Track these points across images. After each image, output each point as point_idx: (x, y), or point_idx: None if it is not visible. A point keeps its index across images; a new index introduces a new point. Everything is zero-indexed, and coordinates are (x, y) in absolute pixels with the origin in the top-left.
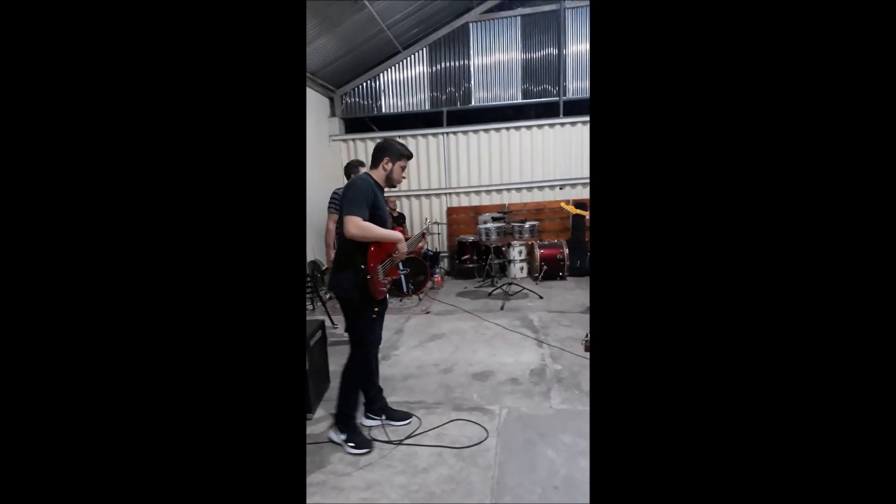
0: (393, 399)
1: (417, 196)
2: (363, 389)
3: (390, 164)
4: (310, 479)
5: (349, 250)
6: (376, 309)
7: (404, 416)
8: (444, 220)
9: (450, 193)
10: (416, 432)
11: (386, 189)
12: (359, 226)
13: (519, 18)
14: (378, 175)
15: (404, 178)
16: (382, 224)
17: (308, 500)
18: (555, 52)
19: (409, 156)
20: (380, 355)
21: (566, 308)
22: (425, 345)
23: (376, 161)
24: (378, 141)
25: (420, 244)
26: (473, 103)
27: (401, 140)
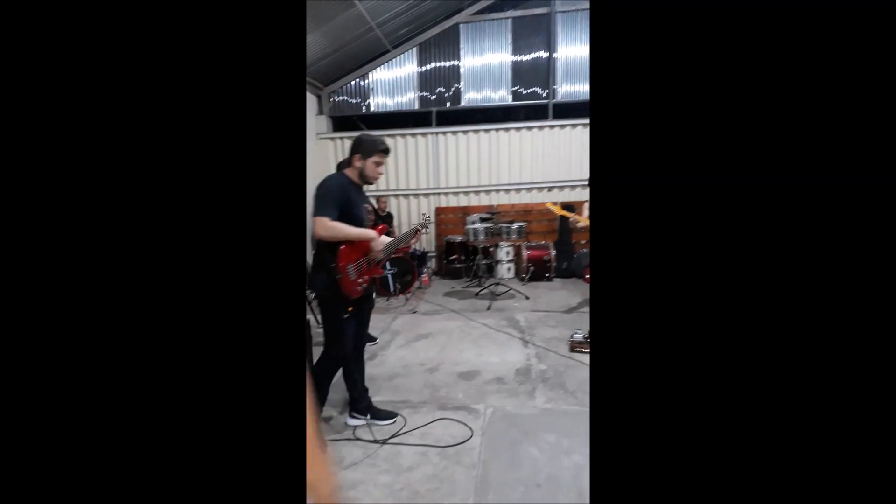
0: (378, 398)
1: (406, 196)
2: (347, 389)
3: (362, 161)
4: None
5: (321, 250)
6: (350, 309)
7: (389, 415)
8: (433, 220)
9: (438, 193)
10: (401, 431)
11: (379, 189)
12: (325, 226)
13: (509, 21)
14: (353, 173)
15: (381, 174)
16: (358, 224)
17: None
18: (545, 54)
19: (384, 150)
20: (366, 355)
21: (552, 309)
22: (412, 344)
23: (350, 159)
24: None
25: (413, 239)
26: (463, 104)
27: (389, 139)
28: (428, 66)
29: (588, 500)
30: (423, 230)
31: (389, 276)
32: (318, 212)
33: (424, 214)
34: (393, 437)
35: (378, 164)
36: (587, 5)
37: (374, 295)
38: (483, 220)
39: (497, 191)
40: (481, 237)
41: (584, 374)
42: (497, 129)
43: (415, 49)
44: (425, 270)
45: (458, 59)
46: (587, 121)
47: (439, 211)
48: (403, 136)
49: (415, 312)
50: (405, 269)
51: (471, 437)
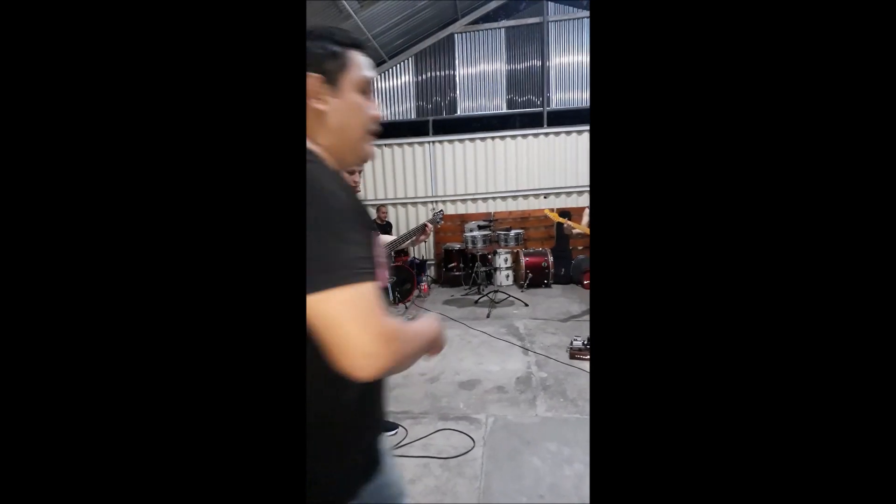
0: None
1: (404, 204)
2: None
3: None
4: None
5: None
6: None
7: (391, 426)
8: (442, 217)
9: (436, 202)
10: (403, 443)
11: (378, 198)
12: None
13: (503, 30)
14: None
15: (356, 182)
16: None
17: None
18: (538, 63)
19: None
20: None
21: (551, 315)
22: None
23: None
24: None
25: (423, 235)
26: (459, 113)
27: (387, 148)
28: (424, 76)
29: None
30: (434, 225)
31: (388, 284)
32: None
33: (436, 210)
34: (395, 448)
35: (351, 172)
36: (579, 14)
37: None
38: (481, 227)
39: (494, 198)
40: (479, 245)
41: (584, 381)
42: (493, 137)
43: (411, 59)
44: (424, 279)
45: (454, 69)
46: (581, 128)
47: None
48: (401, 145)
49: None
50: (404, 278)
51: (472, 447)
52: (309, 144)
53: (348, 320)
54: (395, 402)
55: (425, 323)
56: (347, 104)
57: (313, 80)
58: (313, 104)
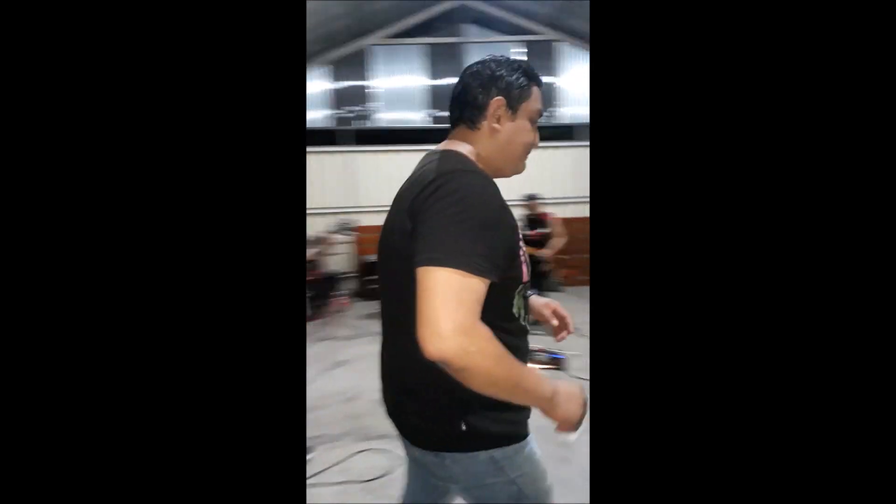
0: None
1: (322, 215)
2: None
3: None
4: None
5: None
6: None
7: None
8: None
9: (358, 212)
10: (318, 471)
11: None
12: None
13: (423, 47)
14: None
15: None
16: None
17: None
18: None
19: None
20: None
21: None
22: (329, 373)
23: None
24: None
25: (325, 249)
26: (379, 124)
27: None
28: (341, 84)
29: None
30: (345, 235)
31: (307, 299)
32: None
33: (343, 221)
34: (310, 478)
35: None
36: (495, 38)
37: None
38: None
39: None
40: None
41: None
42: (416, 150)
43: (326, 66)
44: (343, 292)
45: (372, 80)
46: None
47: (360, 230)
48: (318, 153)
49: (331, 338)
50: (320, 292)
51: (400, 466)
52: (472, 155)
53: (436, 295)
54: (310, 425)
55: (542, 377)
56: (517, 127)
57: (498, 102)
58: (491, 123)
